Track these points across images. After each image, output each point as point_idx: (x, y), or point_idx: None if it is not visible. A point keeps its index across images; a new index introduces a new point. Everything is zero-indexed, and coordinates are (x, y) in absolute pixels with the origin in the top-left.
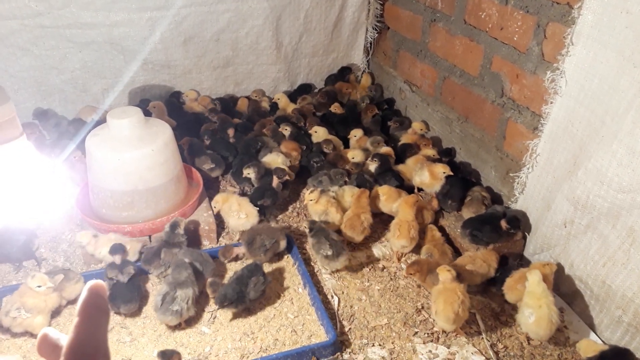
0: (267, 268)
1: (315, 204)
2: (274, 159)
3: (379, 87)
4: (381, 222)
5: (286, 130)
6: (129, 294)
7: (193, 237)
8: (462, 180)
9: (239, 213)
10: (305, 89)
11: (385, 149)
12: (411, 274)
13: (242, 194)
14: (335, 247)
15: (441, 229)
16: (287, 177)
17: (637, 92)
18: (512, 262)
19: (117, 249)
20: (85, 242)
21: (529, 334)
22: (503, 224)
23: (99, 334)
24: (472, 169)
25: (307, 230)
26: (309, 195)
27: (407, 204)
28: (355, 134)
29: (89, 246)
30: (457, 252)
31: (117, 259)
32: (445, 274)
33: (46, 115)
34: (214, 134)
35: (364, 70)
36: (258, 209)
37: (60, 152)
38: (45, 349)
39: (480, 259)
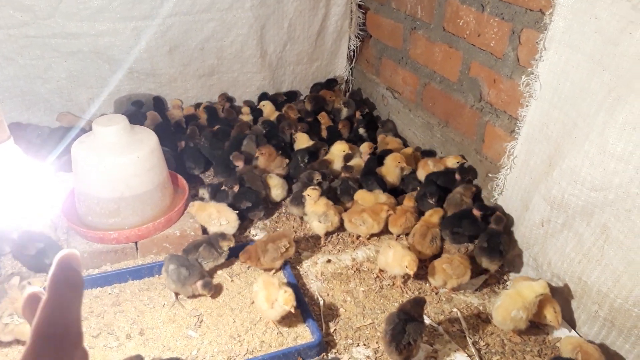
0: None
1: (314, 204)
2: (272, 182)
3: (358, 92)
4: None
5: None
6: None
7: None
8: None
9: (219, 220)
10: (290, 96)
11: (365, 144)
12: (243, 262)
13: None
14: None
15: None
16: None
17: (606, 94)
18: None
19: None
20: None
21: (493, 315)
22: (456, 175)
23: (70, 311)
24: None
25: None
26: (309, 190)
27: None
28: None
29: None
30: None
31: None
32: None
33: (25, 128)
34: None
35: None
36: (237, 212)
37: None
38: (31, 311)
39: (457, 261)
